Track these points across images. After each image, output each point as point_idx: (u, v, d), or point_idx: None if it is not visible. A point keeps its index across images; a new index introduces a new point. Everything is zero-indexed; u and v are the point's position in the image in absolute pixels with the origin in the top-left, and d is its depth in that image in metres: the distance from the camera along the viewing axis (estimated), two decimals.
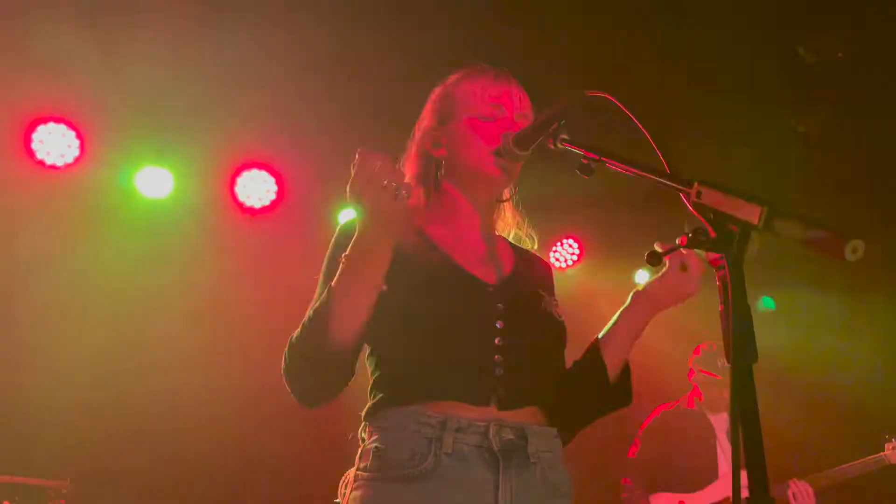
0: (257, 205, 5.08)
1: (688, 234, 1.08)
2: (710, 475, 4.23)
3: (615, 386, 1.87)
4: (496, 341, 1.72)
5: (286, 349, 1.70)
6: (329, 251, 1.80)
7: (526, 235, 2.03)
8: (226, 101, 4.50)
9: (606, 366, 1.85)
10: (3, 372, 4.40)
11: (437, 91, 1.98)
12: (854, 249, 0.89)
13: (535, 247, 2.05)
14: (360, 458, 1.71)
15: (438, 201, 1.90)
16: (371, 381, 1.80)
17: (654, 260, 1.15)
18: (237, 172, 5.03)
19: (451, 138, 1.87)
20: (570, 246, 5.95)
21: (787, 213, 0.97)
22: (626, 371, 1.89)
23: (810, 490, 4.05)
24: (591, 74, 4.06)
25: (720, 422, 4.42)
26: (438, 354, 1.70)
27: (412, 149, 1.96)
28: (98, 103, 4.53)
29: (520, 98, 1.89)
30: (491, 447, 1.64)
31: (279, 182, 5.09)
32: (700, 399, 4.47)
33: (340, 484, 1.76)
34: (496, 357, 1.70)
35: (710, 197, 1.12)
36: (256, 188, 5.06)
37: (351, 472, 1.72)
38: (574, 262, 5.96)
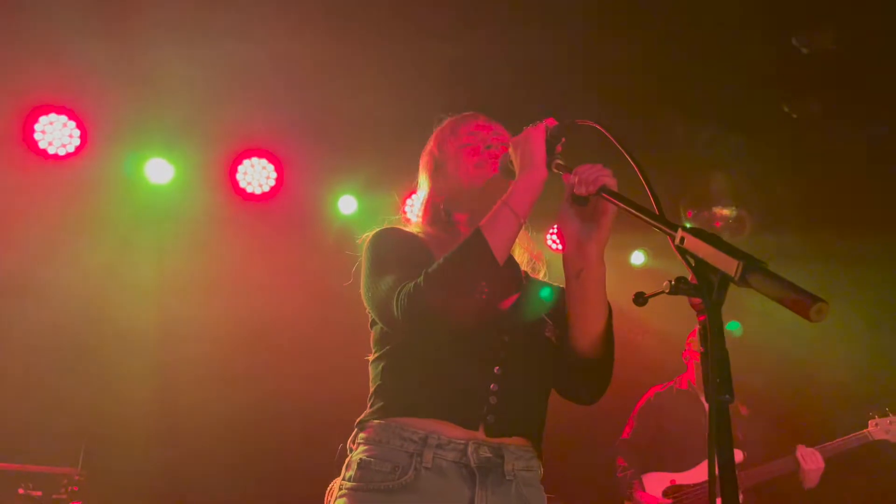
0: (258, 191, 5.14)
1: (670, 282, 1.17)
2: (701, 454, 4.29)
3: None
4: (495, 370, 1.83)
5: (409, 294, 1.67)
6: (383, 242, 1.91)
7: (536, 258, 2.13)
8: (226, 89, 4.54)
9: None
10: (13, 360, 4.48)
11: (433, 135, 2.16)
12: (818, 311, 0.97)
13: (545, 272, 2.13)
14: (346, 468, 1.82)
15: (451, 233, 2.00)
16: (371, 389, 1.91)
17: (639, 301, 1.24)
18: (238, 160, 5.10)
19: (446, 162, 2.05)
20: None
21: (761, 270, 1.06)
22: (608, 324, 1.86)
23: (817, 453, 4.22)
24: (582, 61, 4.14)
25: None
26: (438, 376, 1.80)
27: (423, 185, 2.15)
28: (97, 93, 4.58)
29: (494, 130, 2.06)
30: (468, 463, 1.76)
31: (279, 169, 5.15)
32: (693, 381, 4.58)
33: (326, 493, 1.86)
34: (492, 386, 1.81)
35: (692, 244, 1.20)
36: (256, 175, 5.13)
37: (336, 482, 1.83)
38: None
